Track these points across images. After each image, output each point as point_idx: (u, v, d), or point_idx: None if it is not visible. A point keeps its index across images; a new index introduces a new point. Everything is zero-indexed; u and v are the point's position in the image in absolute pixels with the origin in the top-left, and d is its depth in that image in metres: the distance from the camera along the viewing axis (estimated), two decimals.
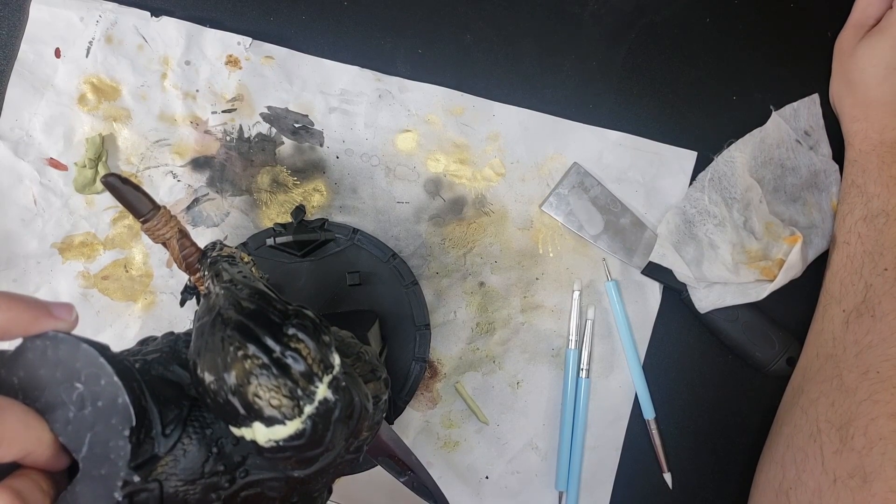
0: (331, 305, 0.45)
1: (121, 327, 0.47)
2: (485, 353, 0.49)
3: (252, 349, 0.22)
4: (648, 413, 0.49)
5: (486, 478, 0.49)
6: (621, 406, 0.49)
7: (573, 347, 0.48)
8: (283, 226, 0.45)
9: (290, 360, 0.22)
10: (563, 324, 0.49)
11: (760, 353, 0.47)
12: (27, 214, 0.46)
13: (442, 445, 0.49)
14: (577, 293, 0.48)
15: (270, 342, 0.22)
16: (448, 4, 0.49)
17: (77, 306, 0.46)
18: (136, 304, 0.47)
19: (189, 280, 0.31)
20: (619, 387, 0.49)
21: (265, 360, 0.22)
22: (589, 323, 0.49)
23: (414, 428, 0.49)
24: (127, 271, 0.47)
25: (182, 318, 0.48)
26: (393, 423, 0.47)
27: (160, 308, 0.48)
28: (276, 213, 0.48)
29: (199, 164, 0.48)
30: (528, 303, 0.49)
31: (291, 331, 0.23)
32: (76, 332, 0.23)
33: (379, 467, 0.36)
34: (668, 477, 0.49)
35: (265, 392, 0.22)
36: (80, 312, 0.47)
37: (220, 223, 0.48)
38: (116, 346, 0.51)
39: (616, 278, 0.49)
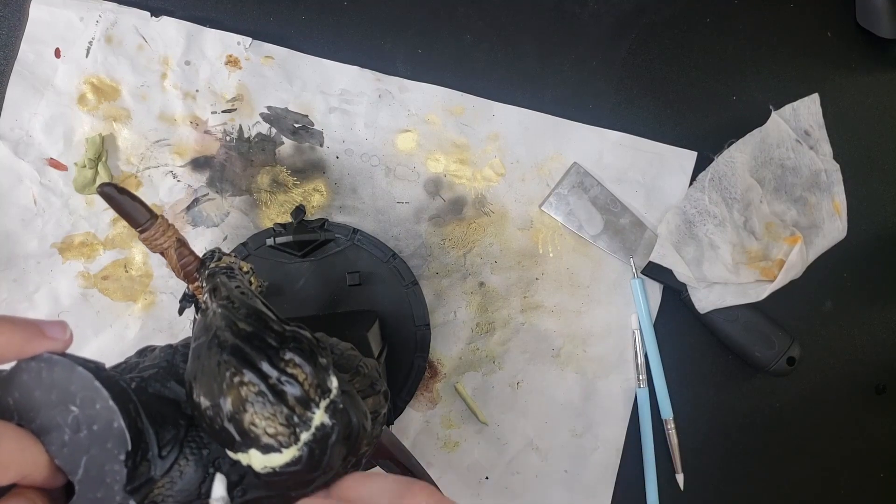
0: (331, 305, 0.45)
1: (121, 327, 0.47)
2: (485, 354, 0.49)
3: (248, 376, 0.22)
4: (666, 412, 0.49)
5: (486, 478, 0.49)
6: (622, 406, 0.49)
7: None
8: (283, 226, 0.45)
9: (286, 387, 0.22)
10: (563, 324, 0.49)
11: (760, 353, 0.47)
12: (27, 214, 0.46)
13: (442, 446, 0.49)
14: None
15: (267, 368, 0.22)
16: (448, 4, 0.49)
17: (77, 306, 0.46)
18: (135, 305, 0.47)
19: (188, 288, 0.31)
20: (620, 386, 0.49)
21: (261, 387, 0.22)
22: (637, 333, 0.49)
23: (414, 428, 0.49)
24: (127, 271, 0.47)
25: (182, 320, 0.48)
26: (393, 424, 0.47)
27: (160, 308, 0.47)
28: (276, 214, 0.48)
29: (199, 164, 0.48)
30: (528, 303, 0.49)
31: (288, 355, 0.23)
32: (73, 339, 0.23)
33: (378, 467, 0.35)
34: (680, 478, 0.49)
35: (261, 420, 0.21)
36: (80, 313, 0.47)
37: (220, 223, 0.48)
38: (116, 347, 0.50)
39: (640, 276, 0.49)
